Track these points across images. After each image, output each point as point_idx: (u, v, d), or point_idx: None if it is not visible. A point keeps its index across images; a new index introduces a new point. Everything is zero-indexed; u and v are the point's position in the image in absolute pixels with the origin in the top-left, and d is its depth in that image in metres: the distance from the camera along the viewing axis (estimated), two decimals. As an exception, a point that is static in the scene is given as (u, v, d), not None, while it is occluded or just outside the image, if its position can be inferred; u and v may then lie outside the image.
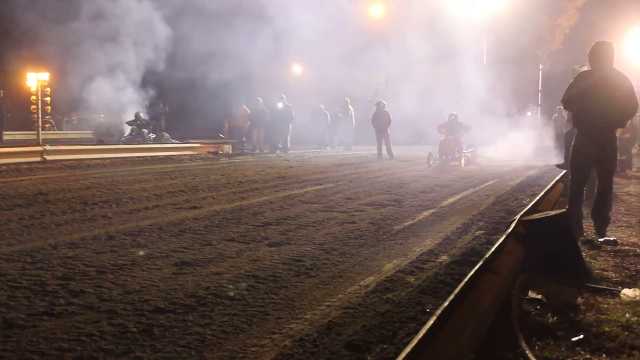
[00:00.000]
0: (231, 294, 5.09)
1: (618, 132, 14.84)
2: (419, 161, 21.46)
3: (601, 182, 7.52)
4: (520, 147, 24.05)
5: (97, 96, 29.24)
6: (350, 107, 30.64)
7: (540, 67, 37.19)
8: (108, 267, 5.84)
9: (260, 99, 27.80)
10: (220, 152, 24.46)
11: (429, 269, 5.97)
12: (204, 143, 25.04)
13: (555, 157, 19.13)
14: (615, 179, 13.27)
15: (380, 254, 6.69)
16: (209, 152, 23.96)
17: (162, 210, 9.48)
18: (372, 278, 5.63)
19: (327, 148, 29.68)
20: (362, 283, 5.48)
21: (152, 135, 26.68)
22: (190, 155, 22.78)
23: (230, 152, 25.07)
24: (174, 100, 34.17)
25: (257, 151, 26.58)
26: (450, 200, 11.32)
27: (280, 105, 27.01)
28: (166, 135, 26.66)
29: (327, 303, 4.92)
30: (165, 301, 4.85)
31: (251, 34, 31.92)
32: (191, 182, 13.36)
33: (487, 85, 28.76)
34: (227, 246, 6.95)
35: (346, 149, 29.15)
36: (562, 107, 8.51)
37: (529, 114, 30.07)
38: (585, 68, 8.01)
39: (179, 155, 22.33)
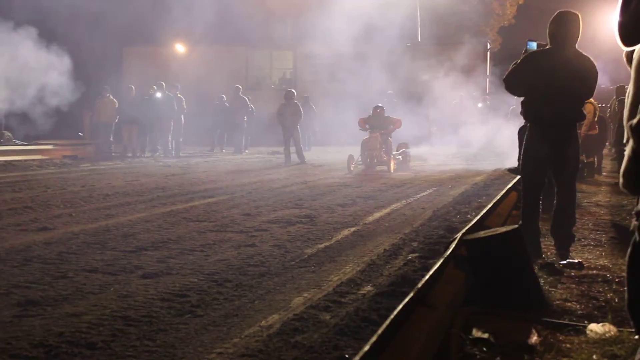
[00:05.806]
0: (93, 341, 4.94)
1: (583, 129, 15.34)
2: (337, 166, 21.71)
3: (561, 190, 7.66)
4: (472, 146, 24.60)
5: None
6: (244, 97, 30.19)
7: (489, 46, 37.72)
8: None
9: (132, 87, 27.66)
10: (80, 156, 24.08)
11: (349, 303, 6.02)
12: (58, 144, 24.57)
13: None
14: (582, 187, 13.88)
15: (288, 285, 6.71)
16: (64, 157, 23.57)
17: (1, 233, 9.23)
18: (276, 316, 5.63)
19: (223, 150, 29.93)
20: (263, 323, 5.47)
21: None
22: (40, 160, 22.24)
23: (94, 155, 24.67)
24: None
25: (129, 154, 26.38)
26: (377, 215, 11.50)
27: (158, 94, 26.82)
28: (7, 134, 25.91)
29: (219, 350, 4.86)
30: (3, 354, 4.64)
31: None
32: (41, 196, 13.11)
33: (420, 68, 29.08)
34: (87, 279, 6.80)
35: (236, 151, 29.24)
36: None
37: (479, 104, 30.38)
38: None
39: (25, 160, 21.75)
